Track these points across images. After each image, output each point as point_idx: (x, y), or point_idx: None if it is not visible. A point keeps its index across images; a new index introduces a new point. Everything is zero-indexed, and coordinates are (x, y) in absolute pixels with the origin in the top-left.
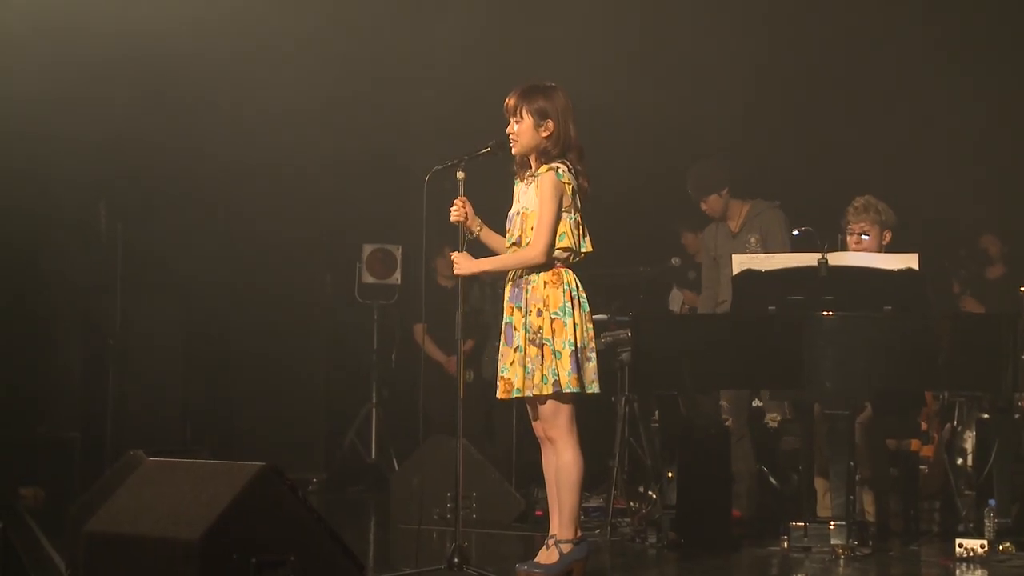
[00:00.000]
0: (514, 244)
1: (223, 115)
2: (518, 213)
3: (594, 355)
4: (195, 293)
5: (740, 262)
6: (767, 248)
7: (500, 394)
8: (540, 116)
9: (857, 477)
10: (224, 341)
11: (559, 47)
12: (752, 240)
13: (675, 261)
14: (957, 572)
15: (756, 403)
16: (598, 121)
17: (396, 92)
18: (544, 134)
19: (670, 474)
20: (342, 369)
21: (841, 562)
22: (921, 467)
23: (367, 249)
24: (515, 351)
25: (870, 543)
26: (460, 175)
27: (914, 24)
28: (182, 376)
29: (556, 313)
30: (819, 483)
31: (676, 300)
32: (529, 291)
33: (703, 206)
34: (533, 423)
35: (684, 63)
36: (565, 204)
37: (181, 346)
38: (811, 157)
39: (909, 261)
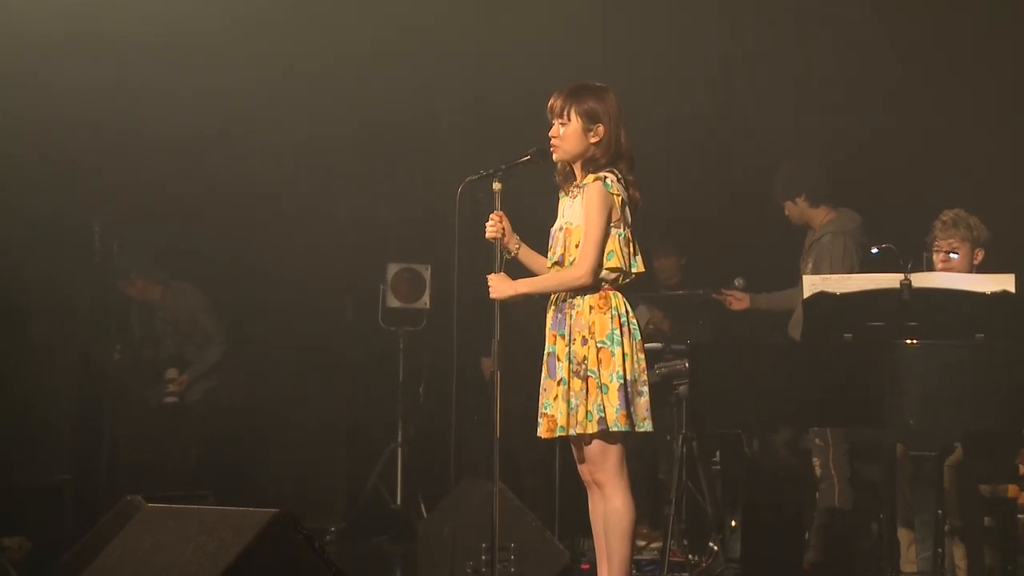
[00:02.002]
0: (556, 263)
1: (230, 124)
2: (561, 228)
3: (646, 389)
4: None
5: (812, 284)
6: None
7: (543, 432)
8: (590, 119)
9: (946, 527)
10: (229, 374)
11: (607, 46)
12: (808, 266)
13: (738, 282)
14: None
15: None
16: (645, 128)
17: (424, 93)
18: (593, 139)
19: (733, 523)
20: (364, 404)
21: None
22: (1019, 516)
23: (392, 269)
24: (559, 384)
25: None
26: (496, 186)
27: (1017, 26)
28: (185, 413)
29: (603, 342)
30: (903, 534)
31: (642, 317)
32: (573, 317)
33: (785, 211)
34: (578, 465)
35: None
36: (614, 218)
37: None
38: (893, 168)
39: (1004, 283)
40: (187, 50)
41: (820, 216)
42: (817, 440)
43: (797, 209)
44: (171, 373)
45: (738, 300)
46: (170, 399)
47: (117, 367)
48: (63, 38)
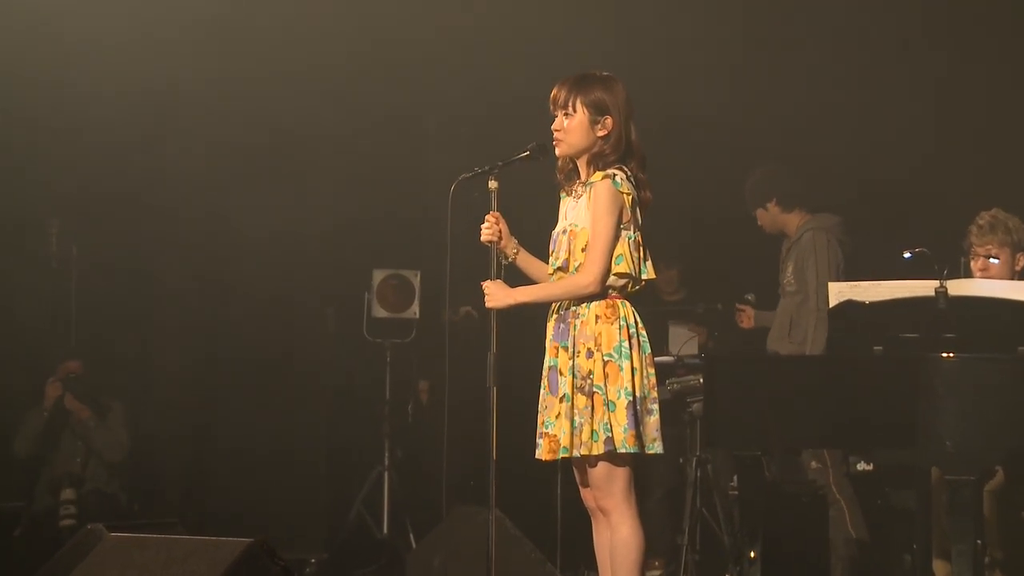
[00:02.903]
0: (559, 269)
1: (192, 111)
2: (564, 231)
3: (656, 407)
4: (167, 331)
5: (838, 291)
6: (800, 289)
7: (544, 454)
8: (597, 110)
9: (987, 559)
10: (201, 391)
11: (615, 32)
12: (788, 271)
13: (750, 297)
14: None
15: (863, 467)
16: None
17: (413, 85)
18: (600, 133)
19: (752, 554)
20: (347, 424)
21: None
22: None
23: (378, 276)
24: (561, 401)
25: None
26: (492, 185)
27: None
28: (152, 433)
29: (610, 355)
30: (938, 566)
31: (680, 337)
32: (577, 327)
33: (758, 221)
34: (582, 491)
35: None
36: (624, 220)
37: (148, 371)
38: (917, 168)
39: None
40: (160, 49)
41: (795, 220)
42: (814, 462)
43: (769, 216)
44: (67, 494)
45: (748, 318)
46: (67, 522)
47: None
48: (26, 40)
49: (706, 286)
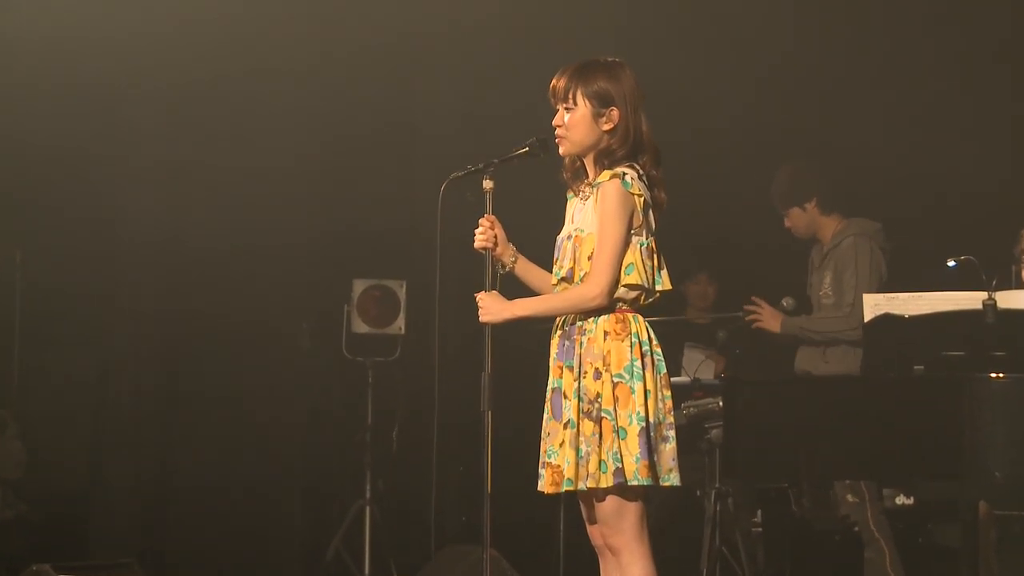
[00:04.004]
0: (564, 280)
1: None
2: (569, 237)
3: (672, 433)
4: (121, 351)
5: (874, 304)
6: (838, 301)
7: (546, 487)
8: (601, 102)
9: None
10: (162, 415)
11: (628, 18)
12: (825, 281)
13: (787, 302)
14: None
15: (902, 500)
16: (665, 117)
17: (397, 70)
18: (606, 127)
19: None
20: (324, 453)
21: None
22: None
23: (358, 286)
24: (565, 427)
25: None
26: (488, 185)
27: None
28: (101, 456)
29: (620, 375)
30: None
31: (694, 362)
32: (584, 344)
33: (786, 223)
34: (589, 527)
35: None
36: (635, 224)
37: (104, 406)
38: (960, 168)
39: None
40: (130, 51)
41: (832, 224)
42: (849, 496)
43: (806, 217)
44: None
45: (771, 317)
46: None
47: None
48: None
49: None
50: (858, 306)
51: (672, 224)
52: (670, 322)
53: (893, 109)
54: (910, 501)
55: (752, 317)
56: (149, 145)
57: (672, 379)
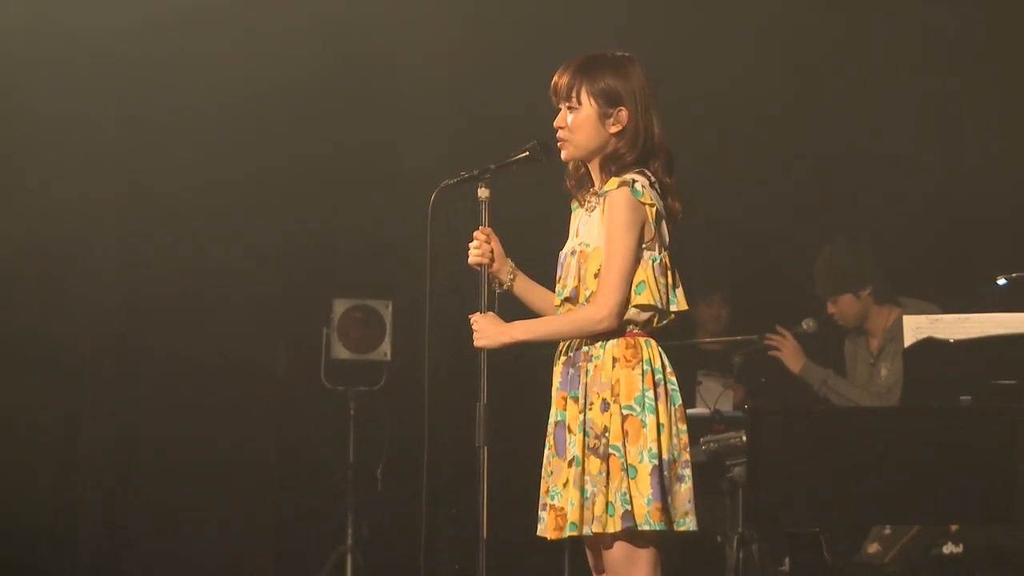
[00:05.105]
0: (567, 300)
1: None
2: (574, 252)
3: (689, 472)
4: (83, 373)
5: (915, 326)
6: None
7: (548, 532)
8: (608, 101)
9: None
10: (126, 445)
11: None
12: (883, 372)
13: (807, 324)
14: None
15: (950, 549)
16: (679, 118)
17: (384, 66)
18: (614, 129)
19: None
20: (300, 493)
21: None
22: None
23: (340, 307)
24: (570, 465)
25: None
26: (483, 193)
27: None
28: (63, 497)
29: (630, 407)
30: None
31: (712, 394)
32: (590, 373)
33: (830, 308)
34: None
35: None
36: (646, 237)
37: (63, 451)
38: (1012, 174)
39: None
40: (87, 59)
41: (884, 317)
42: (875, 545)
43: (859, 305)
44: None
45: (793, 353)
46: None
47: None
48: None
49: (753, 323)
50: (895, 391)
51: (682, 238)
52: (681, 347)
53: (936, 112)
54: (959, 549)
55: (772, 343)
56: (105, 158)
57: (689, 411)
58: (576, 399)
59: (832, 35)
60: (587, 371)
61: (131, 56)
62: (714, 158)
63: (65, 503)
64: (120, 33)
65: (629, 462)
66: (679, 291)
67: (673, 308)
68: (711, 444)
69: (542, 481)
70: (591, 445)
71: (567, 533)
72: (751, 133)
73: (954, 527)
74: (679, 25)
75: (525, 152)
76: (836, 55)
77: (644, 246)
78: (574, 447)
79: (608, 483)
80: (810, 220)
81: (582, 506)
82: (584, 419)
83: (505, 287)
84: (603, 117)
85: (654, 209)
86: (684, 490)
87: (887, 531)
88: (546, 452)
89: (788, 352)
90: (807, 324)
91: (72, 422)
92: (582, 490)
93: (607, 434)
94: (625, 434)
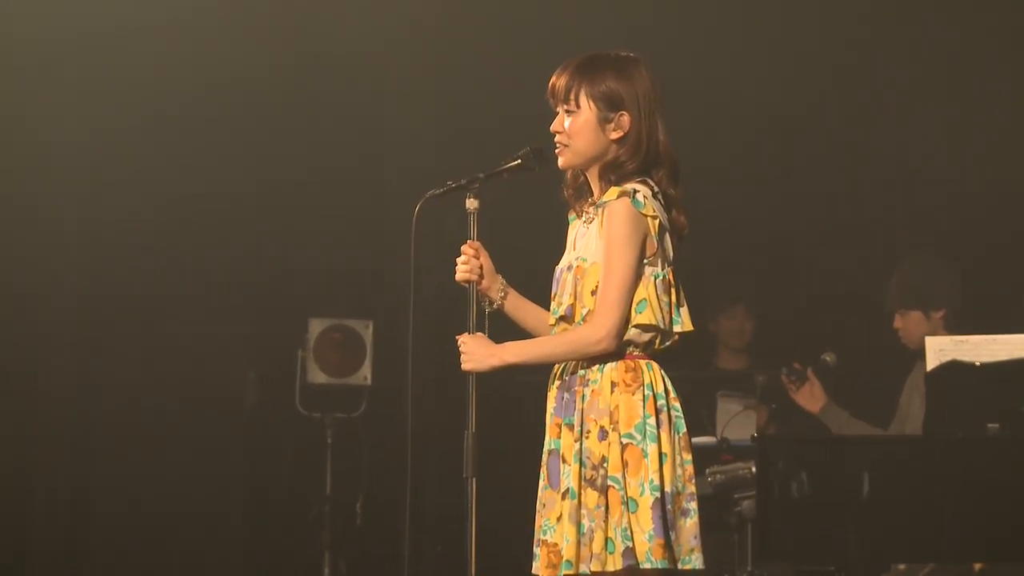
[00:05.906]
0: (563, 319)
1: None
2: (570, 267)
3: (694, 506)
4: (42, 399)
5: (938, 348)
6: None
7: (542, 570)
8: (609, 105)
9: None
10: (80, 477)
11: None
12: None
13: (828, 357)
14: None
15: None
16: (687, 124)
17: (364, 71)
18: (614, 134)
19: None
20: (272, 528)
21: None
22: None
23: (316, 327)
24: (564, 497)
25: None
26: (472, 204)
27: None
28: (15, 536)
29: (630, 435)
30: None
31: (728, 414)
32: (587, 398)
33: (897, 321)
34: None
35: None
36: (648, 252)
37: (11, 485)
38: None
39: None
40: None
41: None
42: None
43: (927, 327)
44: None
45: (812, 394)
46: None
47: None
48: None
49: (778, 345)
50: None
51: (700, 246)
52: (697, 377)
53: (970, 129)
54: None
55: (790, 384)
56: (73, 173)
57: (695, 439)
58: (571, 426)
59: (861, 39)
60: (583, 396)
61: (100, 70)
62: (735, 163)
63: (15, 551)
64: (82, 46)
65: (629, 495)
66: (684, 310)
67: (677, 329)
68: (717, 476)
69: (536, 515)
70: (588, 476)
71: (562, 572)
72: (779, 137)
73: (978, 566)
74: (691, 23)
75: (517, 160)
76: (866, 60)
77: (646, 261)
78: (568, 478)
79: (607, 518)
80: (839, 232)
81: (578, 542)
82: (580, 448)
83: (495, 305)
84: (603, 122)
85: (657, 221)
86: (689, 525)
87: (902, 568)
88: (540, 484)
89: (805, 395)
90: (829, 357)
91: (31, 457)
92: (579, 525)
93: (605, 464)
94: (625, 464)
